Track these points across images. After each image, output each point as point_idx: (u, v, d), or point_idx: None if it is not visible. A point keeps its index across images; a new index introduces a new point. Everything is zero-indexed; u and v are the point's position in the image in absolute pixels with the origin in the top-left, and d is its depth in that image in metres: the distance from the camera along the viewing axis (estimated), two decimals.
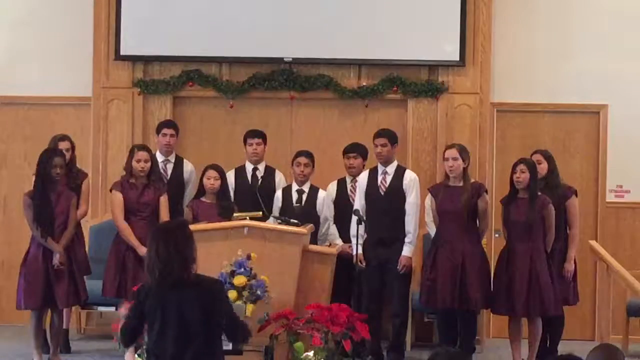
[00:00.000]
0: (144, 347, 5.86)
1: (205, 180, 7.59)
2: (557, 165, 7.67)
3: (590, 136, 8.92)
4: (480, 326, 8.07)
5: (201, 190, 7.65)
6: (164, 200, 7.54)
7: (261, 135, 8.03)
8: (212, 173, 7.58)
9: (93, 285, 7.61)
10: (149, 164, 7.52)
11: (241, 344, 4.92)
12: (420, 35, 8.58)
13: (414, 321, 8.15)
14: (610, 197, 8.85)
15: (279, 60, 8.60)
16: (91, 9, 8.69)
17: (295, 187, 7.82)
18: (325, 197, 7.81)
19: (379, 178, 7.62)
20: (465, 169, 7.37)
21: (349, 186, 7.93)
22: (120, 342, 4.86)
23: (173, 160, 8.07)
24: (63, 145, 7.67)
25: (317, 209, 7.75)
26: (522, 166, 7.28)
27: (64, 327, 7.65)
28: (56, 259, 7.13)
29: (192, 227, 5.01)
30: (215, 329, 4.70)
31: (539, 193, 7.29)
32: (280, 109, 8.76)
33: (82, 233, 7.68)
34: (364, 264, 7.45)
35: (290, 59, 8.58)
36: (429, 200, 7.60)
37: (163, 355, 4.59)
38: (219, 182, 7.56)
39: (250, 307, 6.18)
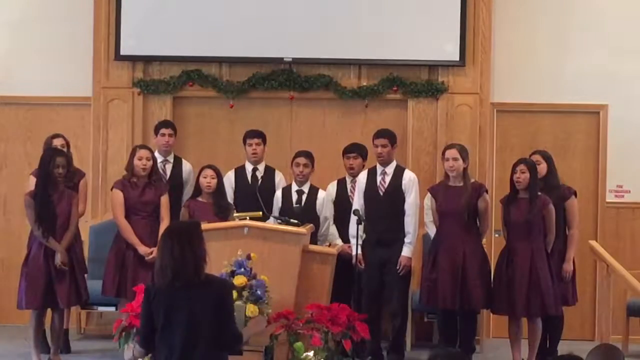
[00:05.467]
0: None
1: (201, 179, 7.59)
2: (557, 166, 7.67)
3: (590, 136, 8.92)
4: (480, 326, 8.07)
5: (197, 191, 7.65)
6: (164, 199, 7.54)
7: (260, 136, 8.03)
8: (208, 172, 7.58)
9: (93, 285, 7.61)
10: (150, 162, 7.53)
11: (228, 351, 4.81)
12: (420, 35, 8.58)
13: (414, 321, 8.15)
14: (610, 197, 8.85)
15: (279, 60, 8.60)
16: (91, 9, 8.69)
17: (294, 187, 7.82)
18: (325, 197, 7.81)
19: (378, 178, 7.61)
20: (465, 169, 7.37)
21: (349, 186, 7.93)
22: (138, 347, 4.78)
23: (172, 160, 8.08)
24: (57, 142, 7.69)
25: (317, 209, 7.74)
26: (522, 166, 7.28)
27: (64, 327, 7.65)
28: (58, 259, 7.13)
29: None
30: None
31: (539, 193, 7.29)
32: (280, 109, 8.76)
33: (79, 232, 7.67)
34: (363, 264, 7.45)
35: (290, 59, 8.58)
36: (428, 200, 7.60)
37: (171, 355, 4.56)
38: (215, 180, 7.56)
39: (250, 307, 6.18)
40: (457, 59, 8.54)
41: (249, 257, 6.35)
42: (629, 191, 8.84)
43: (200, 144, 8.76)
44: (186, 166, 8.13)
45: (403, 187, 7.55)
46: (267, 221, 7.13)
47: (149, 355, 4.87)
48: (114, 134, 8.69)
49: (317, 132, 8.75)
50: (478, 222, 7.38)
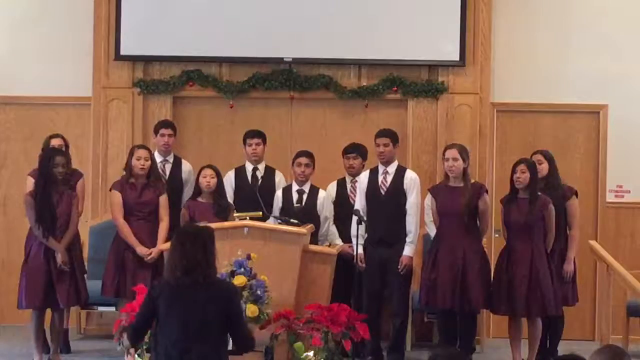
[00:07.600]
0: (144, 346, 5.88)
1: (201, 179, 7.58)
2: (557, 166, 7.67)
3: (590, 136, 8.92)
4: (480, 326, 8.07)
5: (197, 191, 7.65)
6: (163, 200, 7.54)
7: (260, 136, 8.03)
8: (207, 171, 7.58)
9: (93, 285, 7.61)
10: (149, 162, 7.52)
11: (243, 351, 4.99)
12: (420, 35, 8.58)
13: (414, 321, 8.14)
14: (610, 197, 8.85)
15: (279, 60, 8.60)
16: (91, 9, 8.69)
17: (295, 187, 7.82)
18: (325, 197, 7.81)
19: (380, 178, 7.61)
20: (465, 169, 7.36)
21: (348, 186, 7.93)
22: (127, 339, 4.92)
23: (171, 161, 8.07)
24: (55, 142, 7.70)
25: (318, 209, 7.74)
26: (522, 166, 7.28)
27: (64, 327, 7.65)
28: (59, 259, 7.12)
29: None
30: (224, 331, 4.76)
31: (540, 193, 7.29)
32: (280, 109, 8.76)
33: (79, 233, 7.66)
34: (364, 264, 7.44)
35: (290, 59, 8.58)
36: (428, 200, 7.60)
37: (172, 353, 4.61)
38: (215, 180, 7.55)
39: (250, 307, 6.19)
40: (457, 59, 8.54)
41: (249, 257, 6.35)
42: (629, 191, 8.84)
43: (200, 144, 8.76)
44: (186, 166, 8.12)
45: (404, 186, 7.55)
46: (267, 221, 7.13)
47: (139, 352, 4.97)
48: (114, 134, 8.68)
49: (317, 132, 8.75)
50: (478, 223, 7.38)
